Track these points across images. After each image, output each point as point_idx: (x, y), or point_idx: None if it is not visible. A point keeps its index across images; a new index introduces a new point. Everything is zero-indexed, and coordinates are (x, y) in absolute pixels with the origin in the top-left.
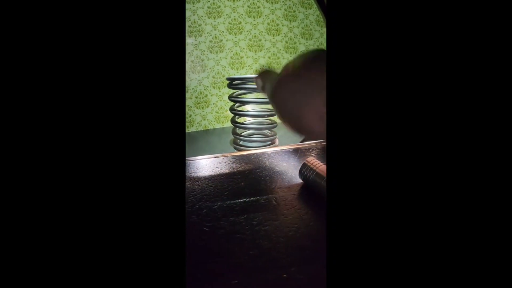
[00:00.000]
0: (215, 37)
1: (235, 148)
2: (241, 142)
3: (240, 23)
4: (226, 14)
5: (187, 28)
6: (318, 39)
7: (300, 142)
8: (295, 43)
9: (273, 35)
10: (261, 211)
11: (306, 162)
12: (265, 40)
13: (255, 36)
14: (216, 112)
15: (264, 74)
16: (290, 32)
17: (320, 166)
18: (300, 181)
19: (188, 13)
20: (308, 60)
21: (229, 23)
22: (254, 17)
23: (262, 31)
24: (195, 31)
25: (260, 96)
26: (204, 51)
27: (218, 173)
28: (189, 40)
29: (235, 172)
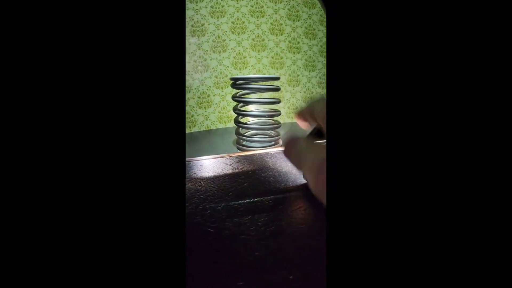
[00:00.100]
0: (218, 36)
1: (238, 149)
2: (244, 142)
3: (243, 22)
4: (230, 14)
5: (190, 27)
6: (322, 39)
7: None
8: (298, 43)
9: (276, 34)
10: (266, 212)
11: None
12: (268, 40)
13: (258, 36)
14: (219, 112)
15: (291, 143)
16: (294, 32)
17: None
18: (304, 181)
19: (191, 13)
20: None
21: (232, 22)
22: (257, 17)
23: (265, 31)
24: (198, 30)
25: (264, 96)
26: (207, 50)
27: (221, 173)
28: (192, 40)
29: (238, 172)
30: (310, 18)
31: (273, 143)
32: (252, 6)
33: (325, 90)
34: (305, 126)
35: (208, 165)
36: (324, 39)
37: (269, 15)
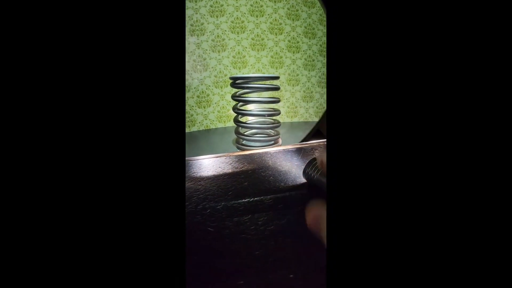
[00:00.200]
0: (218, 36)
1: (238, 148)
2: (244, 142)
3: (242, 22)
4: (229, 13)
5: (189, 27)
6: (321, 38)
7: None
8: (297, 42)
9: (276, 34)
10: (266, 211)
11: (310, 162)
12: (267, 39)
13: (257, 35)
14: (218, 111)
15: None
16: (293, 31)
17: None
18: (304, 180)
19: (190, 12)
20: None
21: (232, 22)
22: (257, 16)
23: (264, 30)
24: (197, 29)
25: (263, 95)
26: (206, 50)
27: (221, 173)
28: (191, 39)
29: (238, 172)
30: (309, 18)
31: (272, 142)
32: (251, 6)
33: (324, 89)
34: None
35: (207, 165)
36: (324, 39)
37: (268, 15)
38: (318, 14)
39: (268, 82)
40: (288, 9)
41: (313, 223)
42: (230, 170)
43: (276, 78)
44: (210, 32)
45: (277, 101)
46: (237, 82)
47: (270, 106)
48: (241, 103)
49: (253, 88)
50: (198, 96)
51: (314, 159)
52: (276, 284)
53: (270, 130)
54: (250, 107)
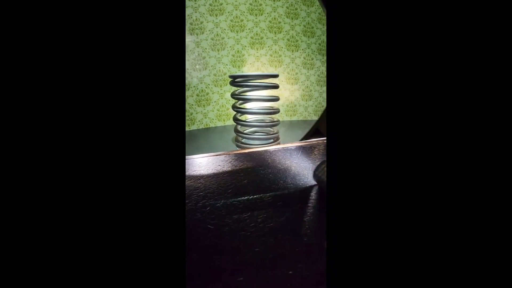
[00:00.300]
0: (217, 34)
1: (238, 146)
2: (243, 140)
3: (242, 20)
4: (228, 12)
5: (188, 25)
6: (320, 37)
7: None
8: (297, 41)
9: (275, 32)
10: (265, 209)
11: (320, 164)
12: (267, 38)
13: (257, 33)
14: (218, 110)
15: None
16: (292, 30)
17: None
18: (304, 178)
19: (189, 11)
20: None
21: (231, 20)
22: (256, 15)
23: (264, 29)
24: (196, 28)
25: (262, 94)
26: (206, 48)
27: (220, 171)
28: (190, 38)
29: (237, 170)
30: (308, 16)
31: (272, 140)
32: (250, 4)
33: (323, 88)
34: None
35: (207, 163)
36: (322, 37)
37: (267, 13)
38: (317, 12)
39: (267, 80)
40: (287, 7)
41: None
42: (229, 168)
43: (275, 76)
44: (209, 30)
45: (276, 99)
46: (236, 80)
47: (269, 105)
48: (240, 102)
49: (252, 86)
50: (197, 95)
51: (325, 161)
52: (275, 280)
53: (269, 129)
54: (249, 105)
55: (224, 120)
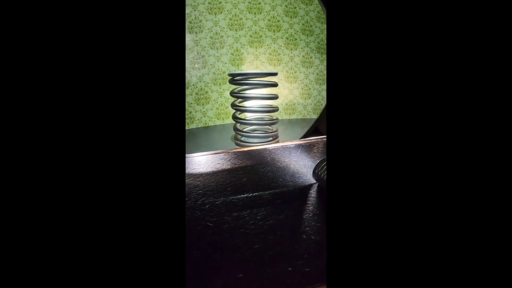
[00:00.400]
0: (216, 33)
1: (237, 144)
2: (242, 138)
3: (241, 19)
4: (227, 10)
5: (188, 24)
6: (319, 36)
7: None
8: (295, 39)
9: (274, 31)
10: (264, 206)
11: (320, 163)
12: (265, 37)
13: (255, 32)
14: (217, 108)
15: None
16: (291, 28)
17: None
18: (303, 176)
19: (189, 9)
20: None
21: (230, 19)
22: (255, 13)
23: (262, 28)
24: (195, 27)
25: (261, 92)
26: (205, 47)
27: (220, 169)
28: (189, 36)
29: (237, 168)
30: (307, 15)
31: (271, 138)
32: (249, 3)
33: (322, 87)
34: None
35: (206, 161)
36: (321, 36)
37: (266, 12)
38: (315, 11)
39: (266, 78)
40: (286, 6)
41: None
42: (228, 166)
43: (274, 74)
44: (208, 29)
45: (275, 97)
46: (235, 78)
47: (268, 103)
48: (239, 100)
49: (251, 84)
50: (196, 93)
51: (324, 159)
52: (275, 277)
53: (269, 127)
54: (249, 103)
55: (223, 119)
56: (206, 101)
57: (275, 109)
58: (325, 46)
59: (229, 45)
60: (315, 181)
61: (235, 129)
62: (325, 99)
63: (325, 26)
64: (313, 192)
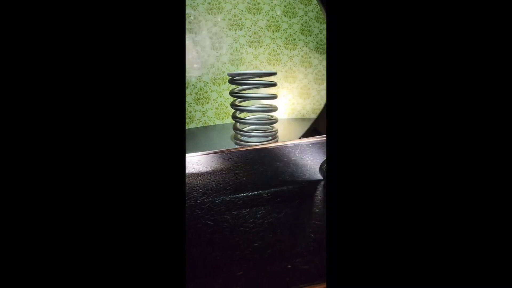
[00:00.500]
0: (215, 33)
1: (236, 144)
2: (242, 138)
3: (240, 19)
4: (227, 11)
5: (187, 24)
6: (318, 36)
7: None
8: (294, 39)
9: (273, 31)
10: (264, 205)
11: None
12: (265, 37)
13: (255, 32)
14: (216, 108)
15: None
16: (290, 28)
17: None
18: (302, 175)
19: (188, 10)
20: None
21: (229, 19)
22: (254, 14)
23: (262, 28)
24: (195, 27)
25: (261, 92)
26: (204, 47)
27: (219, 168)
28: (189, 37)
29: (236, 167)
30: (306, 15)
31: (270, 138)
32: (248, 3)
33: (321, 86)
34: None
35: (206, 161)
36: (320, 36)
37: (265, 12)
38: (314, 11)
39: (265, 78)
40: (285, 6)
41: None
42: (228, 166)
43: (273, 74)
44: (208, 29)
45: (274, 97)
46: (235, 78)
47: (267, 103)
48: (239, 100)
49: (251, 84)
50: (196, 93)
51: None
52: (274, 275)
53: (268, 126)
54: (248, 103)
55: (222, 119)
56: (206, 101)
57: (274, 109)
58: (323, 46)
59: (228, 45)
60: (314, 179)
61: (235, 128)
62: (323, 98)
63: (323, 26)
64: (312, 191)
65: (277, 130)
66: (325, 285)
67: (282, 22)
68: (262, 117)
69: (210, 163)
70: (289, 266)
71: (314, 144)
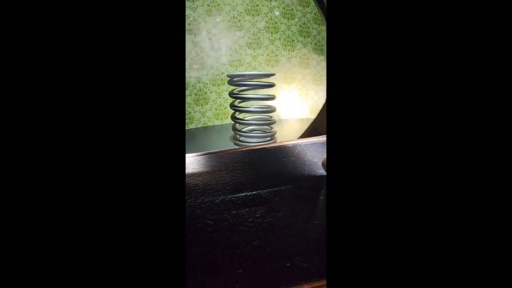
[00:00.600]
0: (215, 35)
1: (235, 144)
2: (241, 138)
3: (239, 21)
4: (226, 12)
5: (187, 26)
6: (316, 37)
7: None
8: (293, 40)
9: (272, 33)
10: (263, 204)
11: None
12: (263, 38)
13: (254, 34)
14: (216, 109)
15: None
16: (288, 30)
17: None
18: (301, 174)
19: (188, 11)
20: None
21: (228, 21)
22: (253, 15)
23: (260, 29)
24: (194, 28)
25: (260, 92)
26: (204, 48)
27: (219, 168)
28: (189, 38)
29: (236, 167)
30: (304, 17)
31: (269, 138)
32: (247, 5)
33: (319, 87)
34: None
35: (206, 161)
36: (318, 37)
37: (264, 14)
38: (312, 13)
39: (264, 79)
40: (283, 8)
41: None
42: (228, 166)
43: (272, 75)
44: (207, 31)
45: (273, 98)
46: (234, 79)
47: (266, 103)
48: (238, 100)
49: (249, 85)
50: (195, 94)
51: None
52: (273, 273)
53: (267, 127)
54: (247, 104)
55: (222, 119)
56: (205, 101)
57: (273, 110)
58: (322, 47)
59: (227, 46)
60: (312, 179)
61: (234, 129)
62: (322, 99)
63: (321, 27)
64: (311, 190)
65: (275, 131)
66: (324, 283)
67: (281, 23)
68: (261, 118)
69: (209, 163)
70: (288, 264)
71: (313, 144)
